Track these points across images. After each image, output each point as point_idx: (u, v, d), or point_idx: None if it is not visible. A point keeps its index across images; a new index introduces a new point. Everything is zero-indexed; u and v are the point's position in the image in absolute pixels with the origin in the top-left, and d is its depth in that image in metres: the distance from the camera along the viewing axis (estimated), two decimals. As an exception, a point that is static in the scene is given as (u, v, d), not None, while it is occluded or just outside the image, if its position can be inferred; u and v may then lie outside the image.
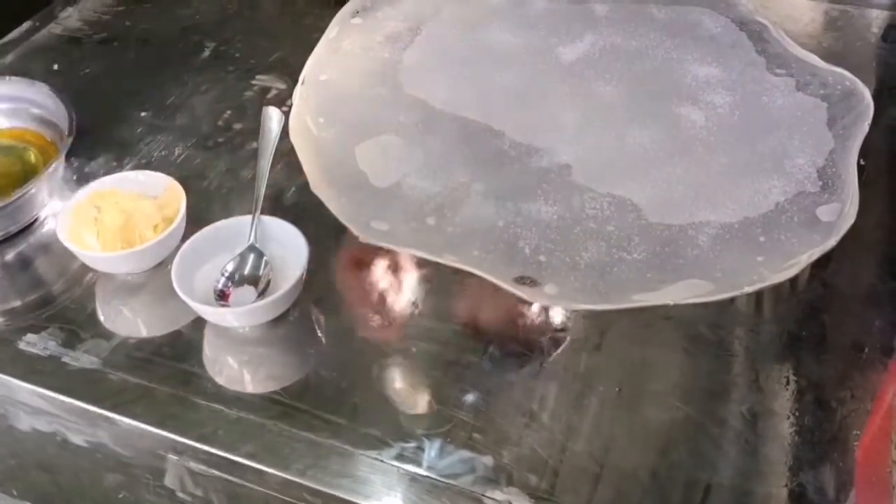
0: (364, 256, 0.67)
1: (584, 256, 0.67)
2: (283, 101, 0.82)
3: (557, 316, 0.63)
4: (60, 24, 0.96)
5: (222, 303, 0.63)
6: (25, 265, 0.70)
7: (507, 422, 0.57)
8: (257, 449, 0.56)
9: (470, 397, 0.58)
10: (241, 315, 0.62)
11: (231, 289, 0.64)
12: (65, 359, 0.62)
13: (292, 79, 0.85)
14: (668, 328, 0.62)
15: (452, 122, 0.80)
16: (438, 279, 0.66)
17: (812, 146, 0.75)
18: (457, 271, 0.66)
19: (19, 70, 0.88)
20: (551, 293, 0.64)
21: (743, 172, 0.73)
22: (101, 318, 0.65)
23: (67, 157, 0.74)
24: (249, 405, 0.58)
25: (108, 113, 0.83)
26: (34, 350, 0.63)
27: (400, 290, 0.66)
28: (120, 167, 0.77)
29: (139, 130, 0.81)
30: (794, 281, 0.64)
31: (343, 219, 0.70)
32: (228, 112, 0.83)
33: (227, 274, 0.64)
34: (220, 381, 0.60)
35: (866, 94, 0.79)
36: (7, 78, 0.79)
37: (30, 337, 0.64)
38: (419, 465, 0.55)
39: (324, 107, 0.82)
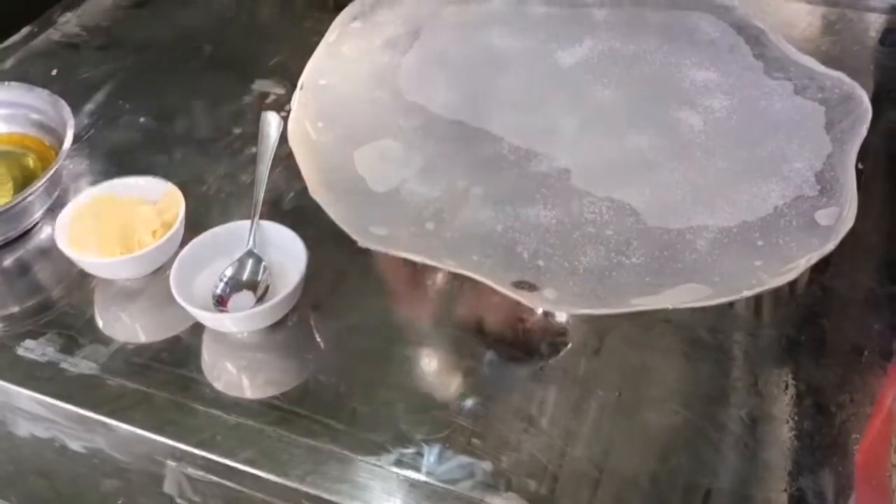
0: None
1: (583, 261, 0.67)
2: (281, 105, 0.82)
3: (556, 320, 0.63)
4: (59, 30, 0.96)
5: (221, 308, 0.63)
6: (24, 271, 0.70)
7: (506, 427, 0.57)
8: (256, 455, 0.56)
9: (469, 402, 0.58)
10: (240, 320, 0.62)
11: (230, 294, 0.64)
12: (63, 364, 0.62)
13: (291, 84, 0.85)
14: (667, 332, 0.62)
15: (451, 127, 0.80)
16: (437, 284, 0.66)
17: (810, 150, 0.75)
18: (455, 276, 0.66)
19: (18, 75, 0.88)
20: (550, 298, 0.64)
21: (741, 176, 0.73)
22: (100, 323, 0.65)
23: (66, 162, 0.74)
24: (248, 411, 0.58)
25: (107, 118, 0.83)
26: (32, 356, 0.63)
27: (398, 295, 0.66)
28: (119, 172, 0.76)
29: (138, 135, 0.81)
30: (793, 285, 0.64)
31: (342, 224, 0.70)
32: (227, 117, 0.83)
33: (225, 279, 0.64)
34: (218, 386, 0.60)
35: (864, 98, 0.79)
36: (6, 83, 0.79)
37: (28, 343, 0.63)
38: (418, 470, 0.55)
39: (323, 112, 0.82)
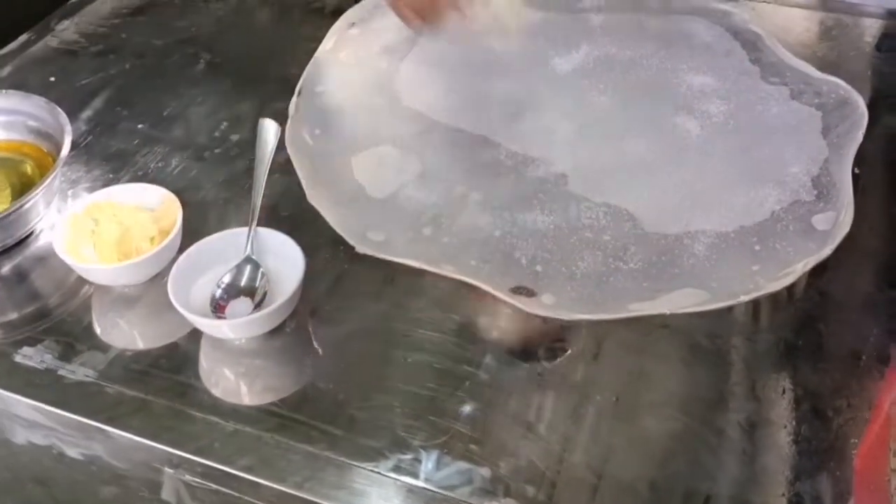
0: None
1: (581, 266, 0.67)
2: (279, 112, 0.82)
3: (554, 326, 0.63)
4: (57, 37, 0.96)
5: (219, 315, 0.63)
6: (22, 278, 0.70)
7: (504, 433, 0.57)
8: (254, 461, 0.56)
9: (467, 408, 0.58)
10: (238, 327, 0.62)
11: (227, 301, 0.64)
12: (61, 371, 0.62)
13: (289, 90, 0.85)
14: (664, 338, 0.62)
15: (449, 133, 0.80)
16: (435, 290, 0.66)
17: (807, 155, 0.75)
18: (453, 282, 0.66)
19: (16, 83, 0.88)
20: (548, 303, 0.64)
21: (738, 181, 0.73)
22: (98, 330, 0.65)
23: (64, 169, 0.74)
24: (246, 417, 0.58)
25: (105, 125, 0.83)
26: (30, 363, 0.63)
27: (396, 301, 0.66)
28: (116, 179, 0.77)
29: (135, 142, 0.81)
30: (790, 290, 0.65)
31: (339, 230, 0.70)
32: (225, 124, 0.83)
33: (223, 286, 0.64)
34: (216, 393, 0.60)
35: (860, 103, 0.79)
36: (3, 91, 0.79)
37: (26, 350, 0.63)
38: (416, 476, 0.55)
39: (320, 118, 0.82)
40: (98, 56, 0.93)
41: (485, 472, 0.55)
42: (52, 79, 0.89)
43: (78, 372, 0.62)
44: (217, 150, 0.80)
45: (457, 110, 0.82)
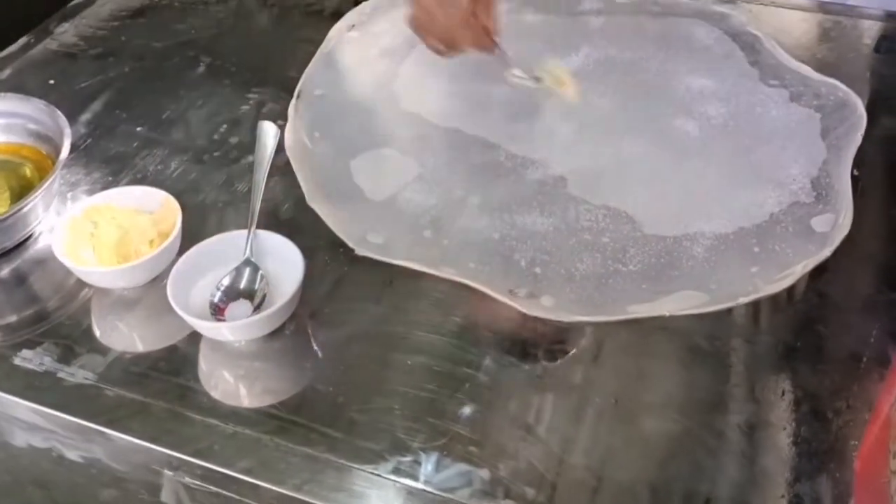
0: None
1: (580, 268, 0.67)
2: (278, 115, 0.82)
3: (553, 328, 0.63)
4: (56, 40, 0.96)
5: (218, 317, 0.63)
6: (21, 280, 0.70)
7: (503, 435, 0.57)
8: (253, 464, 0.56)
9: (466, 410, 0.58)
10: (237, 329, 0.62)
11: (227, 303, 0.64)
12: (60, 374, 0.62)
13: (288, 93, 0.85)
14: (664, 340, 0.62)
15: (448, 135, 0.80)
16: (434, 292, 0.66)
17: (806, 157, 0.75)
18: (453, 284, 0.66)
19: (15, 85, 0.88)
20: (547, 305, 0.64)
21: (737, 183, 0.73)
22: (97, 333, 0.65)
23: (63, 172, 0.74)
24: (245, 420, 0.58)
25: (104, 128, 0.84)
26: (30, 366, 0.62)
27: (396, 303, 0.66)
28: (116, 182, 0.77)
29: (135, 145, 0.81)
30: (790, 291, 0.65)
31: (339, 232, 0.70)
32: (224, 126, 0.83)
33: (222, 288, 0.64)
34: (215, 395, 0.60)
35: (859, 105, 0.79)
36: (2, 94, 0.79)
37: (25, 353, 0.63)
38: (416, 478, 0.55)
39: (319, 121, 0.82)
40: (97, 59, 0.93)
41: (484, 473, 0.55)
42: (52, 81, 0.90)
43: (77, 374, 0.62)
44: (216, 153, 0.80)
45: (456, 113, 0.82)
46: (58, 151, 0.72)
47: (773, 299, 0.64)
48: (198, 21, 0.98)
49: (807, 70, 0.84)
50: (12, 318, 0.67)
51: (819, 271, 0.66)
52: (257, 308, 0.63)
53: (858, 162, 0.74)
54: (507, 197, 0.73)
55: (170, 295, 0.62)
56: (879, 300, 0.64)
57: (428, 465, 0.55)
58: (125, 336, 0.65)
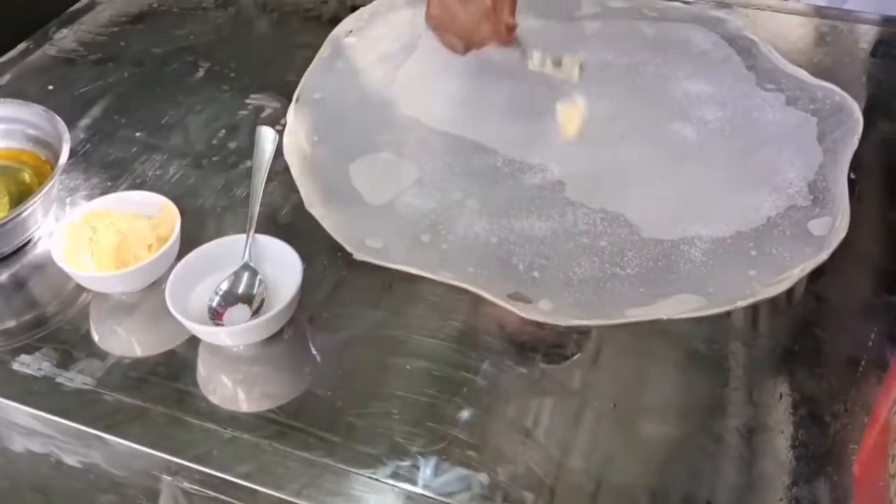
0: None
1: (578, 272, 0.67)
2: (277, 120, 0.83)
3: (552, 332, 0.63)
4: (55, 45, 0.96)
5: (216, 322, 0.63)
6: (19, 285, 0.70)
7: (502, 439, 0.57)
8: (252, 469, 0.56)
9: (465, 414, 0.58)
10: (236, 334, 0.62)
11: (225, 308, 0.64)
12: (59, 379, 0.62)
13: (286, 98, 0.85)
14: (662, 343, 0.62)
15: (446, 140, 0.80)
16: (433, 296, 0.66)
17: (803, 161, 0.75)
18: (451, 288, 0.66)
19: (15, 91, 0.88)
20: (545, 309, 0.64)
21: (734, 187, 0.73)
22: (96, 337, 0.65)
23: (62, 177, 0.74)
24: (244, 424, 0.58)
25: (103, 133, 0.84)
26: (28, 371, 0.62)
27: (394, 308, 0.66)
28: (114, 187, 0.77)
29: (134, 150, 0.81)
30: (788, 295, 0.65)
31: (337, 237, 0.70)
32: (222, 131, 0.83)
33: (221, 293, 0.64)
34: (214, 400, 0.60)
35: (855, 109, 0.79)
36: (2, 99, 0.79)
37: (24, 358, 0.63)
38: (414, 483, 0.55)
39: (318, 125, 0.82)
40: (96, 64, 0.93)
41: (483, 478, 0.55)
42: (51, 87, 0.90)
43: (76, 380, 0.62)
44: (215, 158, 0.80)
45: (454, 117, 0.82)
46: (57, 157, 0.72)
47: (771, 303, 0.64)
48: (197, 27, 0.98)
49: (803, 74, 0.85)
50: (11, 323, 0.67)
51: (816, 275, 0.66)
52: (256, 313, 0.63)
53: (855, 165, 0.74)
54: (505, 201, 0.73)
55: (168, 300, 0.62)
56: (877, 303, 0.64)
57: (427, 470, 0.55)
58: (124, 341, 0.65)
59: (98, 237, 0.68)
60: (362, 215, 0.73)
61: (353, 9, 0.98)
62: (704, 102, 0.82)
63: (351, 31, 0.94)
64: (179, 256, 0.66)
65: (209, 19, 0.99)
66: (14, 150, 0.78)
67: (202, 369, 0.62)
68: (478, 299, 0.65)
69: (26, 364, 0.63)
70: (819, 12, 0.96)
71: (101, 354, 0.63)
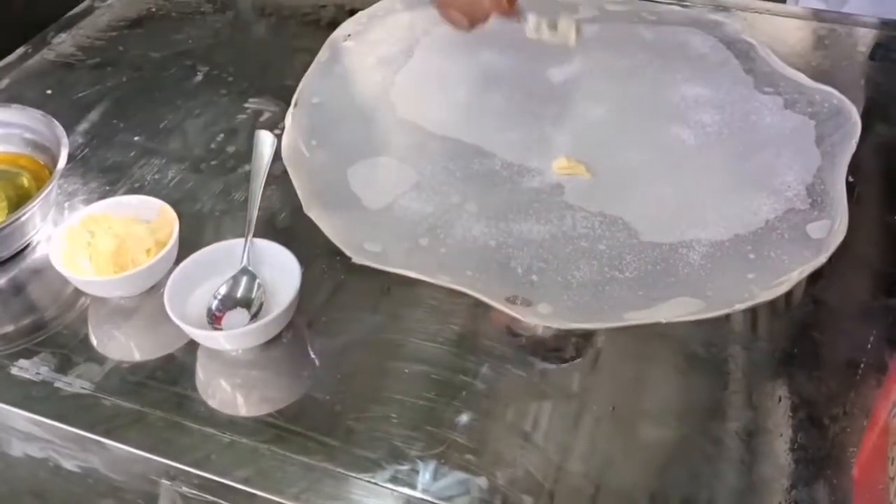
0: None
1: (577, 275, 0.67)
2: (275, 124, 0.83)
3: (550, 335, 0.63)
4: (54, 50, 0.96)
5: (215, 326, 0.63)
6: (18, 290, 0.70)
7: (501, 443, 0.57)
8: (251, 473, 0.56)
9: (464, 418, 0.58)
10: (234, 338, 0.62)
11: (224, 312, 0.64)
12: (57, 384, 0.62)
13: (285, 102, 0.85)
14: (661, 347, 0.62)
15: (444, 144, 0.80)
16: (431, 300, 0.66)
17: (801, 164, 0.75)
18: (450, 292, 0.66)
19: (13, 95, 0.88)
20: (544, 312, 0.64)
21: (733, 190, 0.73)
22: (94, 342, 0.65)
23: (60, 181, 0.74)
24: (243, 429, 0.58)
25: (101, 137, 0.84)
26: (26, 375, 0.62)
27: (393, 311, 0.66)
28: (113, 191, 0.77)
29: (132, 154, 0.81)
30: (786, 298, 0.65)
31: (336, 241, 0.70)
32: (221, 135, 0.83)
33: (219, 297, 0.64)
34: (213, 404, 0.60)
35: (854, 112, 0.79)
36: (0, 104, 0.79)
37: (22, 362, 0.63)
38: (413, 487, 0.55)
39: (316, 129, 0.82)
40: (95, 69, 0.93)
41: (482, 482, 0.55)
42: (49, 91, 0.90)
43: (74, 384, 0.62)
44: (213, 162, 0.80)
45: (452, 121, 0.82)
46: (55, 161, 0.72)
47: (770, 306, 0.64)
48: (195, 31, 0.98)
49: (801, 77, 0.85)
50: (9, 328, 0.67)
51: (815, 278, 0.66)
52: (254, 317, 0.63)
53: (853, 169, 0.74)
54: (503, 205, 0.73)
55: (167, 304, 0.62)
56: (876, 306, 0.64)
57: (426, 474, 0.55)
58: (122, 345, 0.65)
59: (96, 241, 0.68)
60: (361, 219, 0.73)
61: (352, 13, 0.98)
62: (702, 106, 0.82)
63: (349, 35, 0.94)
64: (178, 261, 0.66)
65: (207, 24, 1.00)
66: (12, 154, 0.78)
67: (201, 373, 0.62)
68: (476, 303, 0.65)
69: (25, 368, 0.63)
70: (817, 15, 0.96)
71: (99, 359, 0.63)
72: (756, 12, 0.96)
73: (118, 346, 0.65)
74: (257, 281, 0.65)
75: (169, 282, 0.63)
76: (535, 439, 0.57)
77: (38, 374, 0.62)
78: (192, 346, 0.63)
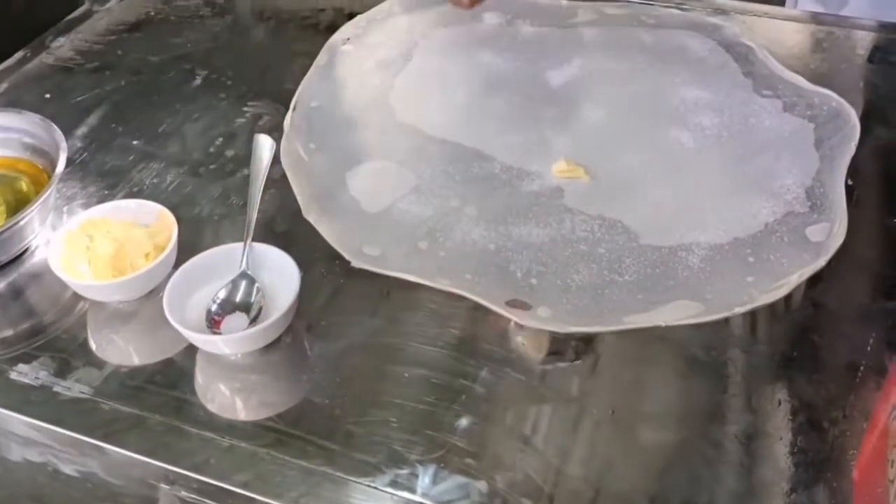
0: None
1: (576, 279, 0.67)
2: (274, 127, 0.83)
3: (550, 339, 0.63)
4: (52, 54, 0.96)
5: (214, 330, 0.63)
6: (17, 294, 0.70)
7: (501, 446, 0.57)
8: (250, 477, 0.56)
9: (463, 422, 0.58)
10: (233, 342, 0.62)
11: (223, 316, 0.64)
12: (56, 388, 0.62)
13: (283, 106, 0.85)
14: (661, 350, 0.62)
15: (443, 147, 0.80)
16: (431, 304, 0.66)
17: (800, 167, 0.75)
18: (449, 295, 0.66)
19: (11, 100, 0.88)
20: (544, 316, 0.64)
21: (732, 193, 0.74)
22: (93, 346, 0.65)
23: (59, 185, 0.74)
24: (242, 433, 0.58)
25: (100, 141, 0.84)
26: (25, 380, 0.62)
27: (392, 315, 0.66)
28: (112, 195, 0.77)
29: (131, 158, 0.81)
30: (786, 301, 0.65)
31: (335, 244, 0.70)
32: (220, 139, 0.83)
33: (218, 301, 0.64)
34: (212, 408, 0.60)
35: (852, 115, 0.80)
36: (-1, 108, 0.80)
37: (21, 367, 0.63)
38: (413, 491, 0.54)
39: (315, 133, 0.82)
40: (94, 73, 0.93)
41: (482, 486, 0.54)
42: (48, 95, 0.90)
43: (73, 388, 0.61)
44: (212, 166, 0.80)
45: (451, 124, 0.82)
46: (54, 165, 0.72)
47: (769, 309, 0.64)
48: (194, 35, 0.98)
49: (800, 80, 0.85)
50: (8, 333, 0.66)
51: (814, 281, 0.66)
52: (253, 321, 0.63)
53: (852, 171, 0.74)
54: (502, 208, 0.73)
55: (166, 308, 0.62)
56: (875, 309, 0.64)
57: (425, 478, 0.55)
58: (121, 349, 0.65)
59: (95, 246, 0.68)
60: (360, 223, 0.73)
61: (351, 16, 0.98)
62: (701, 109, 0.82)
63: (348, 39, 0.95)
64: (177, 265, 0.66)
65: (206, 27, 1.00)
66: (11, 158, 0.78)
67: (200, 378, 0.62)
68: (476, 306, 0.65)
69: (24, 373, 0.63)
70: (816, 18, 0.96)
71: (98, 363, 0.63)
72: (755, 15, 0.96)
73: (117, 351, 0.64)
74: (256, 285, 0.65)
75: (168, 286, 0.63)
76: (534, 443, 0.57)
77: (36, 378, 0.62)
78: (191, 350, 0.63)
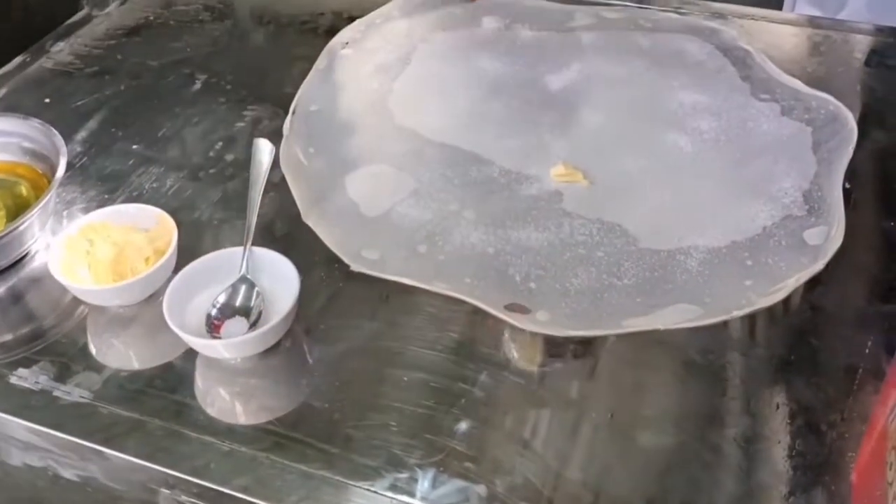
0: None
1: (575, 283, 0.67)
2: (273, 131, 0.83)
3: (549, 342, 0.63)
4: (52, 59, 0.96)
5: (214, 334, 0.63)
6: (16, 299, 0.70)
7: (500, 450, 0.57)
8: (250, 481, 0.56)
9: (463, 426, 0.58)
10: (233, 346, 0.62)
11: (222, 320, 0.64)
12: (56, 393, 0.62)
13: (283, 110, 0.85)
14: (659, 353, 0.62)
15: (442, 151, 0.80)
16: (430, 307, 0.66)
17: (797, 170, 0.75)
18: (448, 299, 0.66)
19: (11, 104, 0.88)
20: (542, 320, 0.64)
21: (730, 197, 0.74)
22: (93, 350, 0.65)
23: (59, 190, 0.75)
24: (241, 437, 0.58)
25: (100, 146, 0.84)
26: (25, 384, 0.62)
27: (391, 319, 0.66)
28: (111, 200, 0.77)
29: (130, 163, 0.81)
30: (784, 304, 0.65)
31: (334, 248, 0.71)
32: (219, 143, 0.83)
33: (218, 305, 0.64)
34: (211, 412, 0.60)
35: (850, 119, 0.80)
36: (-2, 113, 0.80)
37: (21, 371, 0.63)
38: (413, 495, 0.55)
39: (314, 137, 0.82)
40: (93, 77, 0.93)
41: (481, 489, 0.55)
42: (47, 100, 0.90)
43: (73, 393, 0.62)
44: (212, 170, 0.80)
45: (450, 128, 0.83)
46: (53, 170, 0.72)
47: (767, 312, 0.64)
48: (193, 39, 0.98)
49: (798, 84, 0.85)
50: (8, 337, 0.67)
51: (812, 284, 0.66)
52: (253, 325, 0.63)
53: (850, 175, 0.75)
54: (501, 212, 0.73)
55: (166, 312, 0.62)
56: (873, 312, 0.65)
57: (425, 482, 0.55)
58: (121, 354, 0.65)
59: (95, 250, 0.68)
60: (359, 227, 0.73)
61: (350, 20, 0.98)
62: (699, 113, 0.82)
63: (347, 43, 0.95)
64: (176, 269, 0.66)
65: (206, 32, 1.00)
66: (10, 163, 0.78)
67: (199, 382, 0.62)
68: (475, 310, 0.65)
69: (23, 378, 0.63)
70: (813, 22, 0.96)
71: (98, 367, 0.63)
72: (752, 19, 0.96)
73: (117, 355, 0.65)
74: (256, 289, 0.65)
75: (168, 290, 0.63)
76: (533, 447, 0.57)
77: (36, 382, 0.62)
78: (191, 354, 0.63)
